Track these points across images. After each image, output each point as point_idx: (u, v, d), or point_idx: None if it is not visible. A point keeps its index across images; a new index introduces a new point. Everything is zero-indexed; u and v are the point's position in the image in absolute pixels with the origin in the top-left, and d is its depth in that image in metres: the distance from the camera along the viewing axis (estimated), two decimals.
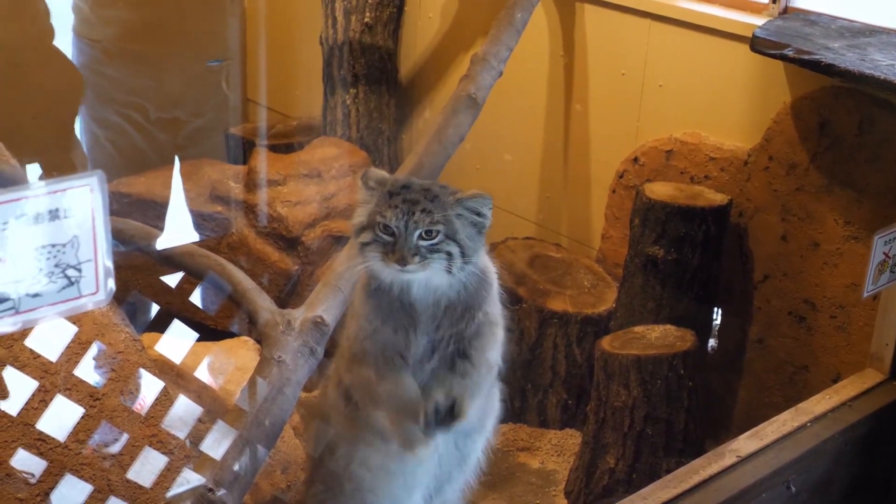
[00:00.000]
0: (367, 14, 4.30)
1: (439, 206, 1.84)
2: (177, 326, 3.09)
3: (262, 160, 3.96)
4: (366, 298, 1.90)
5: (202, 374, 2.93)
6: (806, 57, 2.99)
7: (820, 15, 3.30)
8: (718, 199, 3.31)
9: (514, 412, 3.54)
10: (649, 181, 3.51)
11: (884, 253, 2.66)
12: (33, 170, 3.79)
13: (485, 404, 2.05)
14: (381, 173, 1.89)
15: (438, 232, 1.82)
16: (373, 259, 1.82)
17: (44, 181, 1.29)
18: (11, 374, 2.35)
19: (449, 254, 1.83)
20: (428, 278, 1.86)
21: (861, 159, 3.11)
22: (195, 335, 3.08)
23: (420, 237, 1.81)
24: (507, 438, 3.47)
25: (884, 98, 3.02)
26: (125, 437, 2.46)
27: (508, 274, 3.57)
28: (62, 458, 2.37)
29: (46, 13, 3.96)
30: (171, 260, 2.84)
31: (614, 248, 3.72)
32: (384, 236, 1.80)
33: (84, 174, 1.32)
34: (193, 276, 2.85)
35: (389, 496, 2.00)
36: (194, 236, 3.80)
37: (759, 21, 3.27)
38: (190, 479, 2.38)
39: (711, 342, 3.49)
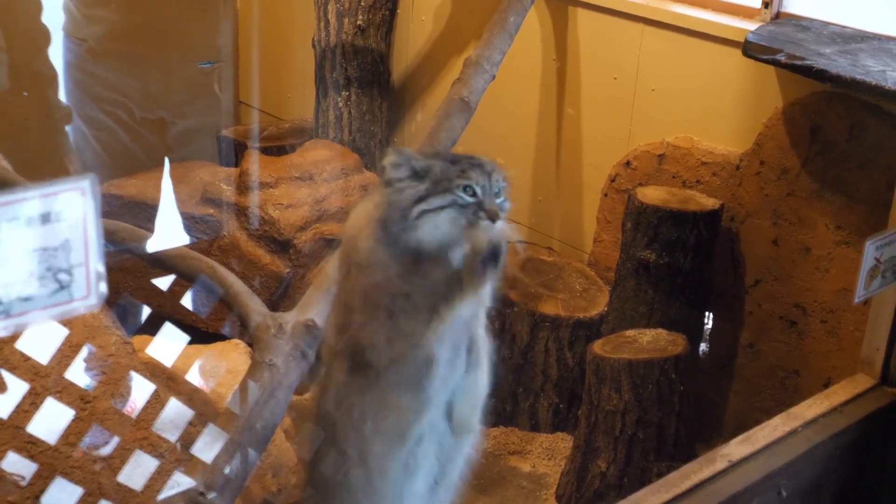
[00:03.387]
0: (360, 17, 4.31)
1: (498, 167, 1.92)
2: (168, 329, 3.10)
3: (255, 162, 3.97)
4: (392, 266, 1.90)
5: (193, 377, 2.93)
6: (798, 62, 3.01)
7: (812, 21, 3.32)
8: (710, 203, 3.33)
9: (505, 416, 3.56)
10: (641, 185, 3.53)
11: (875, 258, 2.65)
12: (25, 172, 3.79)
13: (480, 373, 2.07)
14: (410, 151, 1.94)
15: (502, 190, 1.91)
16: (454, 220, 1.85)
17: (36, 184, 1.28)
18: (2, 377, 2.36)
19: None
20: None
21: (852, 164, 3.13)
22: (186, 338, 3.08)
23: (496, 195, 1.89)
24: (499, 442, 3.49)
25: (875, 103, 3.04)
26: (116, 439, 2.47)
27: (500, 277, 3.58)
28: (53, 460, 2.37)
29: (39, 13, 3.97)
30: (162, 262, 2.85)
31: (606, 251, 3.73)
32: (465, 198, 1.84)
33: (76, 178, 1.32)
34: (185, 279, 2.84)
35: (392, 484, 2.00)
36: (186, 238, 3.81)
37: (751, 26, 3.29)
38: (181, 482, 2.37)
39: (703, 346, 3.51)
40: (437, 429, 1.99)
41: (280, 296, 3.75)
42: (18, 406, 2.36)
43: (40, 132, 3.98)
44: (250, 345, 2.72)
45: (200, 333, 3.44)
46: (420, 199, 1.84)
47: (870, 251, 2.63)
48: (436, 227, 1.84)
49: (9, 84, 3.85)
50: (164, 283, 3.25)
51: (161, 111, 4.38)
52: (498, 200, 1.88)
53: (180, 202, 3.93)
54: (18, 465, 2.33)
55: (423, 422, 1.97)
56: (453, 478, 2.08)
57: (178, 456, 2.51)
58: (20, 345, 2.39)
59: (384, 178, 1.88)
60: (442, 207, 1.83)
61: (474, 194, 1.84)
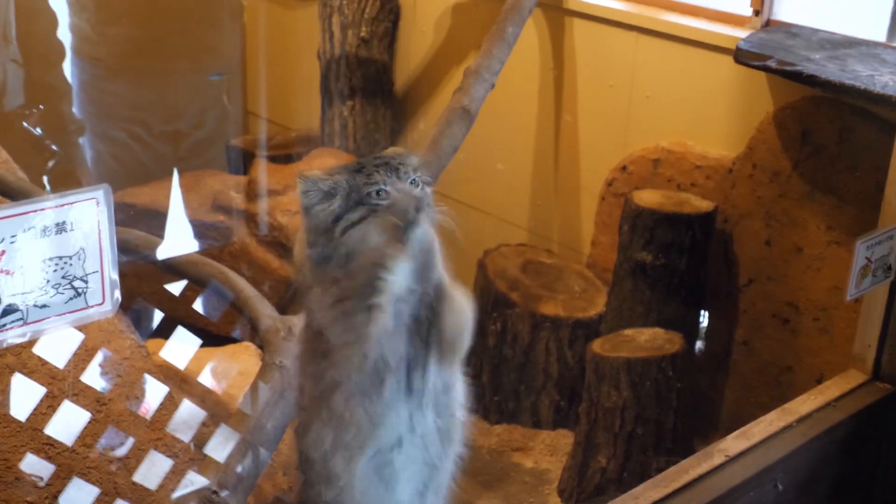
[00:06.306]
0: (364, 29, 4.33)
1: (405, 158, 1.83)
2: (181, 333, 3.06)
3: (263, 171, 3.99)
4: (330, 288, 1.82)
5: (206, 378, 2.96)
6: (788, 68, 3.02)
7: (801, 27, 3.33)
8: (704, 205, 3.35)
9: (508, 413, 3.58)
10: (637, 189, 3.53)
11: (866, 258, 2.66)
12: (41, 183, 3.83)
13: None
14: (318, 173, 1.85)
15: (417, 178, 1.80)
16: (377, 227, 1.76)
17: (51, 195, 1.29)
18: (20, 381, 2.38)
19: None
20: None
21: (842, 167, 3.15)
22: (199, 341, 3.03)
23: (412, 185, 1.78)
24: (502, 439, 3.51)
25: (864, 107, 3.06)
26: (131, 440, 2.48)
27: (502, 280, 3.62)
28: (70, 461, 2.39)
29: (54, 29, 4.02)
30: (174, 268, 2.88)
31: (604, 253, 3.74)
32: (381, 202, 1.75)
33: (90, 188, 1.32)
34: (197, 284, 2.87)
35: (367, 494, 1.90)
36: (197, 245, 3.84)
37: (742, 34, 3.30)
38: (194, 481, 2.35)
39: (699, 344, 3.51)
40: (418, 431, 1.88)
41: (289, 299, 3.76)
42: (36, 409, 2.37)
43: (55, 144, 4.03)
44: (261, 347, 2.73)
45: (212, 337, 3.37)
46: (338, 218, 1.78)
47: (860, 251, 2.64)
48: (364, 237, 1.77)
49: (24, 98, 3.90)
50: (176, 288, 3.27)
51: (172, 122, 4.41)
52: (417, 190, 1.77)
53: (192, 210, 3.95)
54: (37, 466, 2.34)
55: (391, 426, 1.86)
56: (443, 481, 1.98)
57: (191, 456, 2.52)
58: (38, 349, 2.39)
59: (301, 207, 1.83)
60: (362, 218, 1.76)
61: (388, 194, 1.76)
